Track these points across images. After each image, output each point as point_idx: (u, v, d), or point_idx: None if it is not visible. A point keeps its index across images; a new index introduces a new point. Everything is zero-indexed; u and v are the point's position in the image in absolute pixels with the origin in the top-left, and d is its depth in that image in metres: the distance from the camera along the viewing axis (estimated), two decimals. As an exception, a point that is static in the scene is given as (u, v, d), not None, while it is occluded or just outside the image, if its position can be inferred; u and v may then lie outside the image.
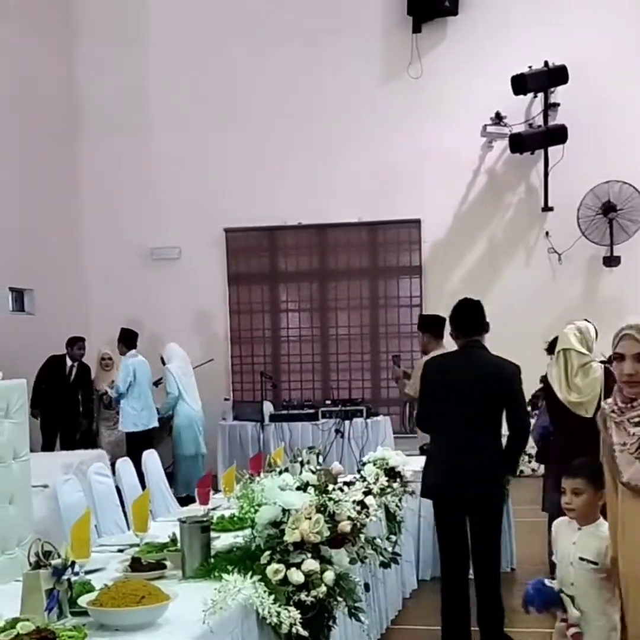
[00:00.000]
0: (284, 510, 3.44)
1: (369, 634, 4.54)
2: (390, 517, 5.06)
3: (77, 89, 11.97)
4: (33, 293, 10.91)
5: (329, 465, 5.02)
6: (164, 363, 10.41)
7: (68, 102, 11.84)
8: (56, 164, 11.41)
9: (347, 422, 10.32)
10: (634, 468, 3.13)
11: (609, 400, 3.34)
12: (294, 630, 3.10)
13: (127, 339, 10.07)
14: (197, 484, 5.47)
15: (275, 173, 11.40)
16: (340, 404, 10.65)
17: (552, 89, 10.82)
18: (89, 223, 11.98)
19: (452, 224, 11.29)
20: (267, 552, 3.35)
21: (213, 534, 3.72)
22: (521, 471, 7.24)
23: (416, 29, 11.16)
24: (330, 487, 3.80)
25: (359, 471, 5.40)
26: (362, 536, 3.82)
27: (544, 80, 10.67)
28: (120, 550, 4.05)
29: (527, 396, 5.61)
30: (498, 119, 10.80)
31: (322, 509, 3.51)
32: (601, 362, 5.65)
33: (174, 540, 3.81)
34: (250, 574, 3.20)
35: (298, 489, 3.68)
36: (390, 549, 4.67)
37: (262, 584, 3.18)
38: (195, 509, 4.88)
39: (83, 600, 2.93)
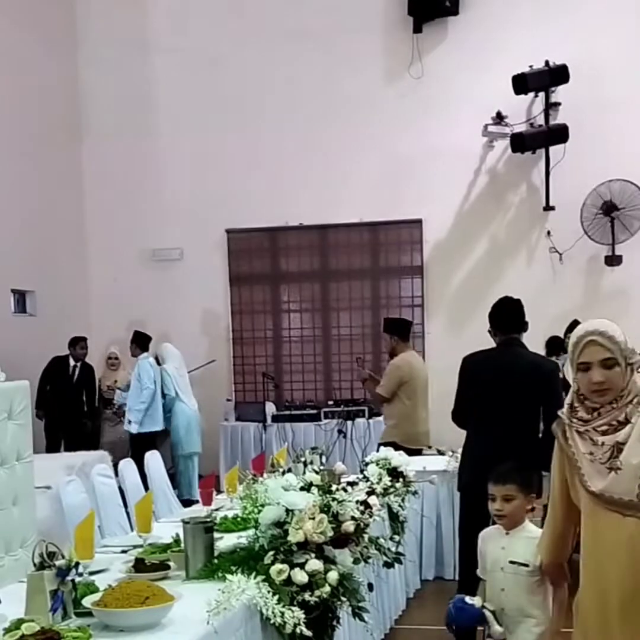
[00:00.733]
0: (287, 511, 3.44)
1: (372, 634, 4.54)
2: (393, 517, 5.06)
3: (80, 91, 11.97)
4: (35, 294, 10.92)
5: (331, 465, 5.03)
6: (159, 363, 10.46)
7: (71, 103, 11.84)
8: (59, 165, 11.42)
9: (349, 423, 10.34)
10: (610, 478, 2.93)
11: (564, 409, 3.13)
12: (297, 630, 3.10)
13: (141, 341, 10.15)
14: (199, 485, 5.47)
15: (277, 174, 11.40)
16: (342, 405, 10.66)
17: (553, 89, 10.80)
18: (91, 224, 12.00)
19: (454, 224, 11.28)
20: (271, 553, 3.36)
21: (216, 535, 3.72)
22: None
23: (417, 29, 11.15)
24: (334, 487, 3.81)
25: (361, 471, 5.41)
26: (366, 536, 3.83)
27: (545, 79, 10.65)
28: (124, 551, 4.06)
29: None
30: (499, 118, 10.78)
31: (325, 509, 3.51)
32: None
33: (177, 541, 3.82)
34: (254, 574, 3.21)
35: (302, 489, 3.69)
36: (393, 549, 4.67)
37: (266, 584, 3.19)
38: (198, 510, 4.89)
39: (87, 601, 2.93)
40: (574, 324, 9.54)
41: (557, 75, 10.58)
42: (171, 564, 3.58)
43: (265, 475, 4.59)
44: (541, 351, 9.86)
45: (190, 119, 11.65)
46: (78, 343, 10.36)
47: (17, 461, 4.65)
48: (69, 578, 2.96)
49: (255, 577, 3.17)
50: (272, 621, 3.10)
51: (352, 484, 4.59)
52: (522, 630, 3.70)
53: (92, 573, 3.48)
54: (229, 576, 3.14)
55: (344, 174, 11.23)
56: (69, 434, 10.12)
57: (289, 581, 3.26)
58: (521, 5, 10.81)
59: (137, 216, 11.75)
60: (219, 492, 5.62)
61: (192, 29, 11.66)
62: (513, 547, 3.74)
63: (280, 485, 3.67)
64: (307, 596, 3.25)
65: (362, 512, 3.84)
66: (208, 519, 3.64)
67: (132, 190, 11.80)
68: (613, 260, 10.68)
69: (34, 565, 2.96)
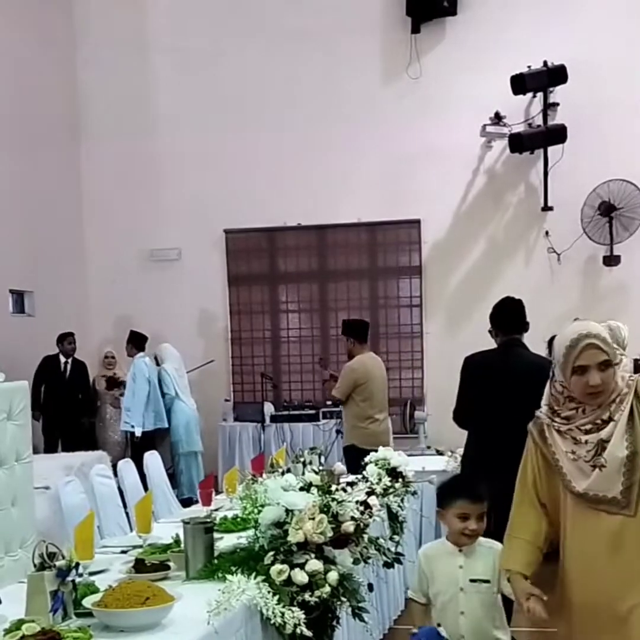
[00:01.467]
0: (287, 511, 3.44)
1: (371, 634, 4.54)
2: (393, 517, 5.06)
3: (79, 91, 11.96)
4: (33, 295, 10.91)
5: (330, 465, 5.03)
6: (158, 363, 10.46)
7: (70, 103, 11.83)
8: (57, 166, 11.41)
9: (347, 423, 10.33)
10: (593, 477, 2.91)
11: (543, 409, 3.13)
12: (298, 630, 3.10)
13: (137, 341, 10.13)
14: (199, 485, 5.47)
15: (275, 174, 11.40)
16: (341, 405, 10.65)
17: (552, 89, 10.81)
18: (89, 225, 11.99)
19: (452, 224, 11.28)
20: (271, 553, 3.36)
21: (216, 535, 3.72)
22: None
23: (415, 30, 11.15)
24: (333, 487, 3.81)
25: (360, 472, 5.41)
26: (366, 536, 3.83)
27: (543, 79, 10.66)
28: (124, 552, 4.05)
29: None
30: (497, 118, 10.79)
31: (325, 509, 3.51)
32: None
33: (177, 541, 3.81)
34: (254, 574, 3.20)
35: (301, 489, 3.69)
36: (393, 549, 4.67)
37: (266, 584, 3.19)
38: (198, 510, 4.88)
39: (88, 602, 2.93)
40: (554, 339, 9.45)
41: (555, 75, 10.59)
42: (171, 564, 3.58)
43: (264, 475, 4.59)
44: (539, 351, 9.88)
45: (188, 119, 11.64)
46: (66, 339, 10.33)
47: (17, 462, 4.65)
48: (69, 578, 2.96)
49: (255, 578, 3.17)
50: (272, 621, 3.10)
51: (351, 484, 4.58)
52: None
53: (92, 573, 3.48)
54: (229, 576, 3.13)
55: (342, 174, 11.23)
56: (66, 434, 10.11)
57: (289, 581, 3.26)
58: (519, 6, 10.82)
59: (135, 216, 11.75)
60: (218, 492, 5.62)
61: (190, 29, 11.66)
62: (472, 565, 3.47)
63: (279, 486, 3.67)
64: (307, 596, 3.25)
65: (362, 513, 3.84)
66: (208, 520, 3.64)
67: (130, 190, 11.79)
68: (611, 260, 10.69)
69: (34, 565, 2.96)
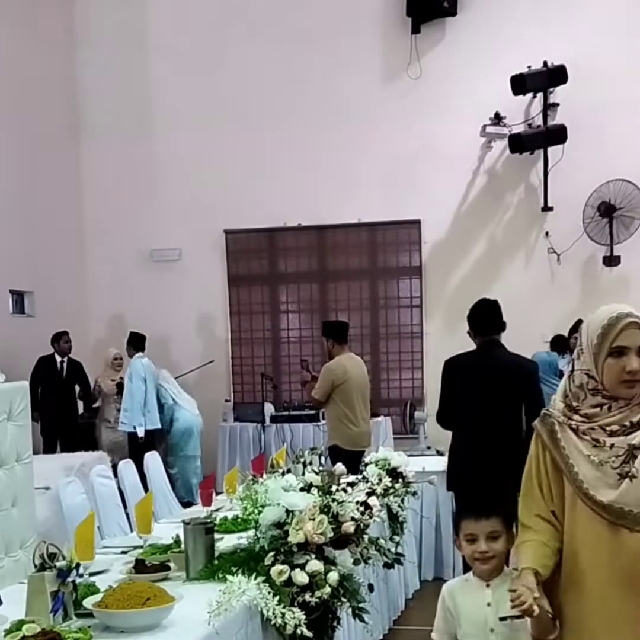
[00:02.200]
0: (287, 511, 3.44)
1: (372, 634, 4.54)
2: (393, 517, 5.06)
3: (79, 92, 11.96)
4: (33, 295, 10.91)
5: (331, 466, 5.03)
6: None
7: (70, 104, 11.83)
8: (57, 166, 11.41)
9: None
10: (623, 488, 2.52)
11: (559, 405, 2.71)
12: (298, 631, 3.10)
13: (135, 342, 10.10)
14: (199, 486, 5.47)
15: (275, 174, 11.40)
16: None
17: (551, 89, 10.81)
18: (89, 225, 11.99)
19: (452, 225, 11.29)
20: (271, 553, 3.36)
21: (216, 536, 3.71)
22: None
23: (415, 30, 11.15)
24: (334, 488, 3.81)
25: (360, 472, 5.41)
26: (366, 537, 3.83)
27: (543, 80, 10.66)
28: (124, 552, 4.05)
29: None
30: (497, 119, 10.79)
31: (325, 510, 3.51)
32: None
33: (177, 542, 3.81)
34: (254, 575, 3.20)
35: (302, 490, 3.69)
36: (393, 550, 4.67)
37: (267, 585, 3.19)
38: (198, 511, 4.88)
39: (88, 602, 2.93)
40: (579, 323, 9.45)
41: (555, 75, 10.60)
42: (171, 565, 3.57)
43: (264, 476, 4.59)
44: (540, 349, 9.90)
45: (188, 120, 11.64)
46: (61, 338, 10.27)
47: (17, 462, 4.64)
48: (69, 579, 2.96)
49: (255, 578, 3.17)
50: (272, 622, 3.11)
51: (351, 484, 4.58)
52: None
53: (92, 574, 3.48)
54: (229, 577, 3.13)
55: (342, 174, 11.23)
56: (65, 434, 10.10)
57: (289, 582, 3.26)
58: (519, 6, 10.82)
59: (135, 217, 11.75)
60: (218, 493, 5.62)
61: (190, 29, 11.66)
62: (501, 601, 2.83)
63: (280, 486, 3.67)
64: (307, 597, 3.25)
65: (362, 513, 3.84)
66: (208, 520, 3.63)
67: (130, 191, 11.79)
68: (611, 260, 10.70)
69: (35, 566, 2.96)
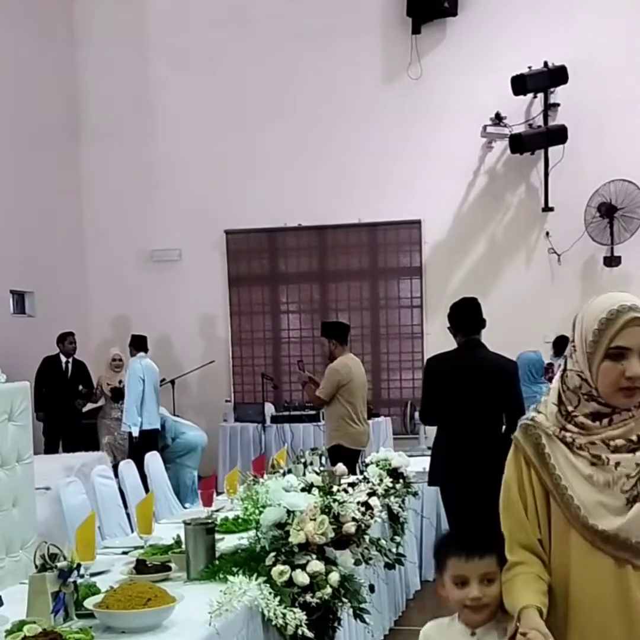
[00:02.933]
0: (288, 512, 3.44)
1: (373, 635, 4.53)
2: (394, 518, 5.06)
3: (79, 92, 11.96)
4: (34, 295, 10.91)
5: (331, 466, 5.03)
6: None
7: (70, 104, 11.84)
8: (58, 166, 11.42)
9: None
10: (633, 512, 2.13)
11: (550, 406, 2.25)
12: (299, 631, 3.10)
13: (136, 343, 10.09)
14: (199, 485, 5.46)
15: (275, 175, 11.39)
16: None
17: (552, 89, 10.81)
18: (89, 225, 11.99)
19: (453, 225, 11.29)
20: (272, 554, 3.36)
21: (217, 536, 3.71)
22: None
23: (416, 30, 11.15)
24: (335, 488, 3.81)
25: (361, 472, 5.41)
26: (367, 537, 3.83)
27: (543, 80, 10.66)
28: (125, 553, 4.05)
29: None
30: (498, 119, 10.79)
31: (326, 510, 3.51)
32: None
33: (178, 542, 3.81)
34: (255, 575, 3.21)
35: (302, 490, 3.69)
36: (394, 550, 4.67)
37: (268, 585, 3.19)
38: (199, 511, 4.88)
39: (89, 603, 2.93)
40: (559, 339, 9.44)
41: (556, 76, 10.60)
42: (172, 565, 3.57)
43: (265, 476, 4.59)
44: (541, 349, 9.88)
45: (188, 120, 11.64)
46: (66, 338, 10.29)
47: (18, 462, 4.63)
48: (70, 579, 2.96)
49: (256, 579, 3.17)
50: (273, 622, 3.11)
51: (352, 485, 4.58)
52: None
53: (93, 574, 3.48)
54: (230, 577, 3.14)
55: (342, 174, 11.23)
56: (68, 434, 10.10)
57: (290, 582, 3.26)
58: (520, 6, 10.82)
59: (135, 217, 11.74)
60: (219, 493, 5.62)
61: (191, 30, 11.66)
62: None
63: (281, 487, 3.67)
64: (308, 597, 3.25)
65: (363, 514, 3.84)
66: (209, 520, 3.63)
67: (130, 191, 11.79)
68: (612, 261, 10.69)
69: (36, 566, 2.96)
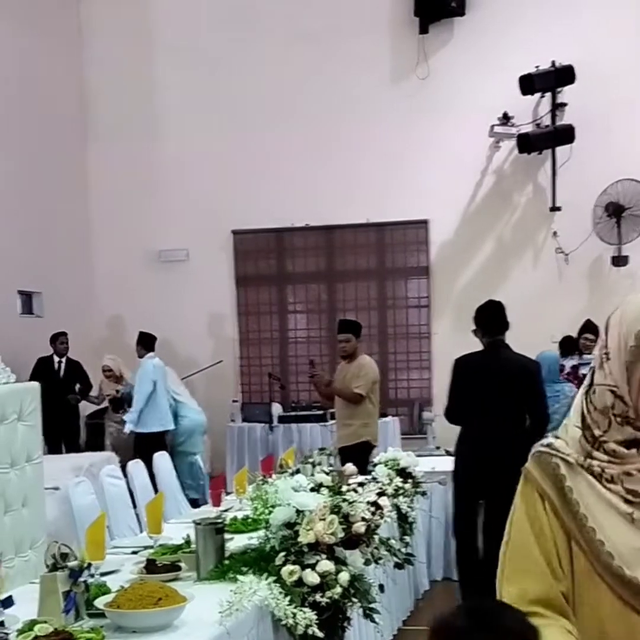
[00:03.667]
0: (298, 512, 3.44)
1: (382, 635, 4.53)
2: (403, 518, 5.06)
3: (85, 91, 11.98)
4: (41, 296, 10.93)
5: (339, 466, 5.04)
6: None
7: (77, 104, 11.86)
8: (64, 166, 11.43)
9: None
10: None
11: (572, 430, 1.77)
12: (309, 631, 3.10)
13: (146, 342, 10.07)
14: (209, 486, 5.47)
15: (283, 175, 11.39)
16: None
17: (560, 89, 10.79)
18: (97, 225, 12.01)
19: (460, 225, 11.27)
20: (282, 554, 3.36)
21: (227, 536, 3.72)
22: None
23: (423, 30, 11.14)
24: (344, 488, 3.81)
25: (369, 472, 5.41)
26: (376, 537, 3.83)
27: (551, 80, 10.65)
28: (134, 552, 4.06)
29: None
30: (505, 119, 10.78)
31: (336, 510, 3.51)
32: None
33: (188, 542, 3.81)
34: (265, 575, 3.21)
35: (312, 490, 3.69)
36: (403, 550, 4.67)
37: (277, 585, 3.19)
38: (208, 511, 4.88)
39: (100, 602, 2.94)
40: (588, 324, 9.40)
41: (563, 75, 10.59)
42: (182, 565, 3.58)
43: (274, 476, 4.59)
44: (543, 349, 9.86)
45: (196, 120, 11.64)
46: (58, 339, 10.27)
47: (27, 462, 4.64)
48: (81, 579, 2.97)
49: (266, 578, 3.18)
50: (283, 622, 3.11)
51: (362, 485, 4.58)
52: None
53: (103, 574, 3.48)
54: (240, 577, 3.15)
55: (350, 174, 11.23)
56: (68, 435, 10.09)
57: (300, 582, 3.26)
58: (527, 6, 10.80)
59: (142, 217, 11.75)
60: (228, 493, 5.62)
61: (198, 29, 11.66)
62: None
63: (290, 486, 3.67)
64: (318, 597, 3.25)
65: (373, 513, 3.84)
66: (219, 520, 3.64)
67: (137, 191, 11.80)
68: (619, 260, 10.67)
69: (47, 566, 2.97)
